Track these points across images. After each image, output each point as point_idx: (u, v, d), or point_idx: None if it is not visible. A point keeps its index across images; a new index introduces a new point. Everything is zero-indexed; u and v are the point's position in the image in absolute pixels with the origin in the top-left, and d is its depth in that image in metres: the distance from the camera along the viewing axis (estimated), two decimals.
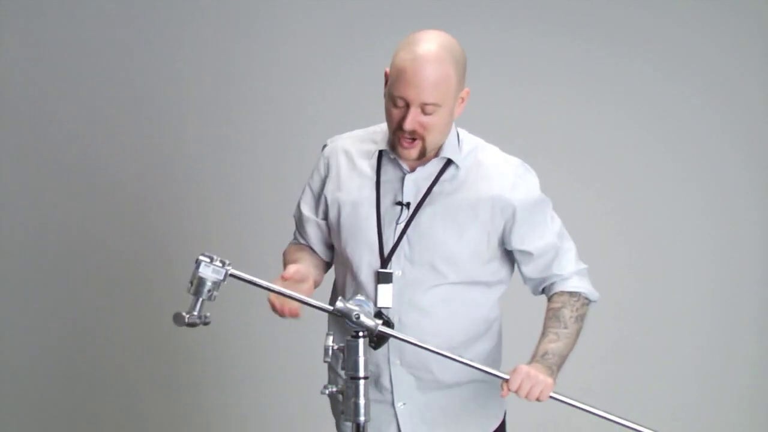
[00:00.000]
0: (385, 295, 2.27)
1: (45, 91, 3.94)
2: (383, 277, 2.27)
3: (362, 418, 1.97)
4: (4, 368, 3.97)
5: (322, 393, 2.05)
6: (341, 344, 1.99)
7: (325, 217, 2.41)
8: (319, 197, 2.42)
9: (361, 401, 1.96)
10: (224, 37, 3.96)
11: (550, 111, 3.94)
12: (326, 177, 2.40)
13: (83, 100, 3.94)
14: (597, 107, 3.98)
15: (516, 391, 2.12)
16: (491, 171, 2.30)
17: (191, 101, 3.96)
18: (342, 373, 2.02)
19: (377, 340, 2.15)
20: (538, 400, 2.13)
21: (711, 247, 4.02)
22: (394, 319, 2.26)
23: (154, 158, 3.97)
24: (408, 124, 2.17)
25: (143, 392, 3.97)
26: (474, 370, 2.17)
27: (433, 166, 2.30)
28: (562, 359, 2.27)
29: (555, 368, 2.22)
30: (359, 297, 2.04)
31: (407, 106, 2.17)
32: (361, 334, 1.97)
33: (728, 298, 4.02)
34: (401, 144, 2.22)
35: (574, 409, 2.13)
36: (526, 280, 2.41)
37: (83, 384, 3.98)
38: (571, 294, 2.36)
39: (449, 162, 2.30)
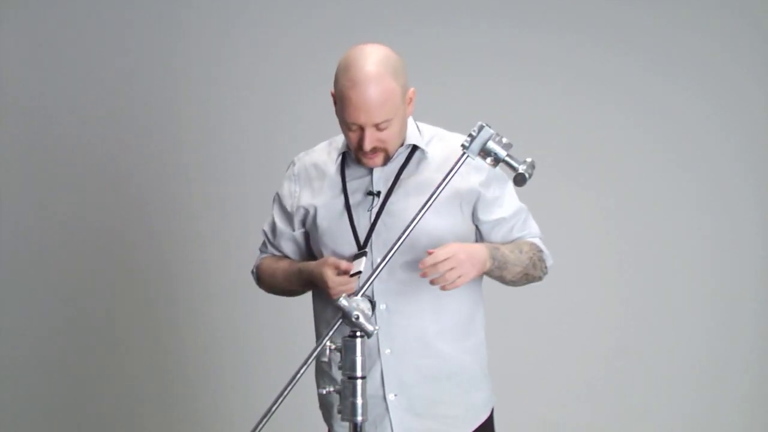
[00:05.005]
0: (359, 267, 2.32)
1: (42, 91, 3.94)
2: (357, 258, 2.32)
3: (359, 418, 1.97)
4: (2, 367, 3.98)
5: (320, 393, 2.05)
6: (338, 345, 1.99)
7: (303, 226, 2.49)
8: (294, 210, 2.49)
9: (359, 401, 1.96)
10: (221, 39, 3.97)
11: (550, 111, 3.93)
12: (300, 190, 2.48)
13: (83, 100, 3.94)
14: (596, 107, 3.98)
15: (433, 266, 2.16)
16: (457, 148, 2.27)
17: (190, 101, 3.97)
18: (338, 373, 2.02)
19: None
20: (444, 288, 2.19)
21: (711, 247, 4.02)
22: (381, 306, 2.33)
23: (153, 158, 3.97)
24: (367, 145, 2.28)
25: (137, 392, 3.98)
26: (461, 355, 2.34)
27: (400, 156, 2.39)
28: (505, 263, 2.32)
29: (497, 259, 2.29)
30: (358, 297, 2.04)
31: (361, 129, 2.27)
32: (358, 333, 1.97)
33: (728, 298, 4.02)
34: (365, 158, 2.34)
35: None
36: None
37: (80, 382, 3.98)
38: (534, 244, 2.44)
39: (414, 149, 2.39)
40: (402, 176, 2.37)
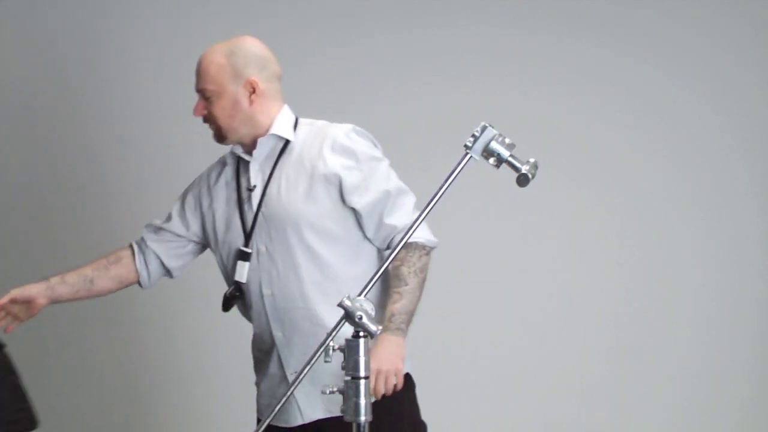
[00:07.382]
0: (241, 272, 2.54)
1: (43, 91, 3.94)
2: (241, 255, 2.51)
3: (363, 418, 1.97)
4: None
5: (323, 393, 2.06)
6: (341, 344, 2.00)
7: (202, 232, 2.69)
8: (192, 208, 2.70)
9: (362, 401, 1.97)
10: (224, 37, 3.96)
11: (550, 111, 3.94)
12: (199, 193, 2.67)
13: (83, 99, 3.94)
14: (596, 107, 3.99)
15: (379, 392, 2.35)
16: (324, 134, 2.50)
17: (188, 100, 3.96)
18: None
19: (225, 303, 2.60)
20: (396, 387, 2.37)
21: (711, 247, 4.03)
22: (266, 291, 2.52)
23: (152, 158, 3.97)
24: (193, 110, 2.50)
25: (136, 392, 3.97)
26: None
27: (264, 146, 2.51)
28: (410, 315, 2.44)
29: (404, 326, 2.41)
30: (361, 297, 2.05)
31: None
32: (361, 334, 1.97)
33: (729, 298, 4.03)
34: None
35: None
36: (370, 239, 2.54)
37: (77, 382, 3.98)
38: (407, 247, 2.47)
39: (287, 143, 2.51)
40: (276, 169, 2.49)
